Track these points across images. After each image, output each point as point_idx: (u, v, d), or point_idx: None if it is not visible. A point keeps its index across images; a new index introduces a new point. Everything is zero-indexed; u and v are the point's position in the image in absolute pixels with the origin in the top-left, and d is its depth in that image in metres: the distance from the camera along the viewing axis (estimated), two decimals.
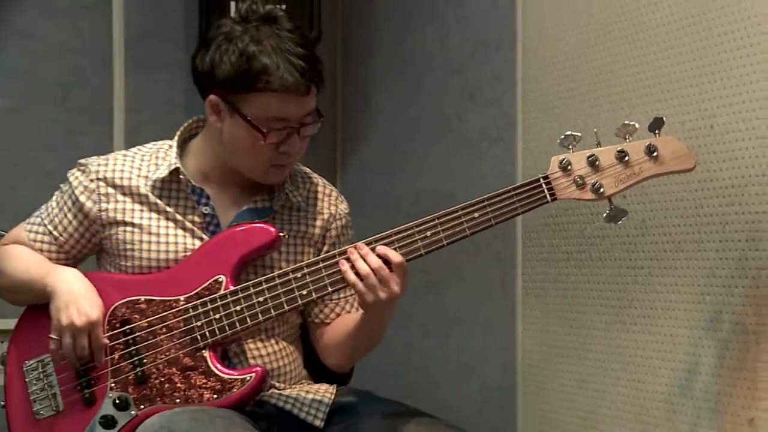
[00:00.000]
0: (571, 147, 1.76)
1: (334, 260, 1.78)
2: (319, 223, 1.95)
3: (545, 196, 1.76)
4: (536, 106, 2.51)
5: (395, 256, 1.74)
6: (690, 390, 2.02)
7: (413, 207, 3.04)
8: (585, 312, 2.36)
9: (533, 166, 2.49)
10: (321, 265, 1.79)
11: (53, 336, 1.80)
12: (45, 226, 1.93)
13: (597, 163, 1.75)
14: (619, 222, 1.77)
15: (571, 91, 2.37)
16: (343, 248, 1.79)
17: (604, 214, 1.77)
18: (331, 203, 1.98)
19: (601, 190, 1.75)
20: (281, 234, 1.85)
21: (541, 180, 1.76)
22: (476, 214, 1.76)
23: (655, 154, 1.73)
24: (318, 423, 1.86)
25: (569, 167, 1.76)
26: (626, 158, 1.74)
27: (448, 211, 1.77)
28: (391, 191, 3.16)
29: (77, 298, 1.80)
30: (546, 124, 2.46)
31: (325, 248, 1.95)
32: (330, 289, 1.79)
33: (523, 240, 2.56)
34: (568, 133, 1.76)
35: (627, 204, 1.96)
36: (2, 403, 1.88)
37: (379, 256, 1.74)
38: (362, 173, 3.34)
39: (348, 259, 1.76)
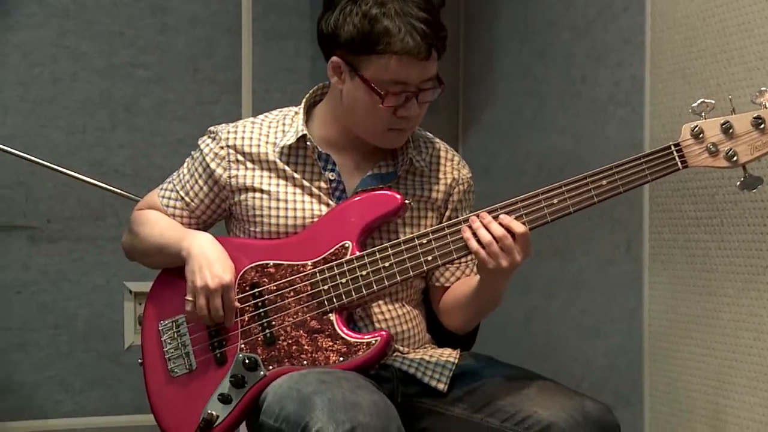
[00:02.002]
0: (703, 114, 1.70)
1: (459, 227, 1.76)
2: (441, 187, 1.93)
3: (676, 164, 1.70)
4: (665, 68, 2.42)
5: (518, 226, 1.71)
6: None
7: (538, 171, 3.00)
8: (714, 279, 2.28)
9: (662, 129, 2.41)
10: (446, 231, 1.77)
11: (188, 298, 1.84)
12: (177, 192, 1.97)
13: (731, 130, 1.68)
14: (754, 190, 1.70)
15: (702, 52, 2.27)
16: (468, 215, 1.77)
17: (738, 182, 1.70)
18: (453, 168, 1.96)
19: (735, 158, 1.68)
20: (407, 201, 1.84)
21: (672, 147, 1.71)
22: (604, 182, 1.72)
23: None
24: (441, 387, 1.85)
25: (701, 135, 1.69)
26: (762, 125, 1.66)
27: (575, 179, 1.73)
28: (515, 156, 3.12)
29: (210, 261, 1.83)
30: (676, 87, 2.37)
31: (447, 213, 1.94)
32: (455, 255, 1.77)
33: (651, 205, 2.49)
34: (701, 100, 1.70)
35: (762, 170, 1.87)
36: (140, 360, 1.94)
37: (502, 224, 1.71)
38: (485, 138, 3.31)
39: (471, 227, 1.74)
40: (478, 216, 1.73)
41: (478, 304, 1.87)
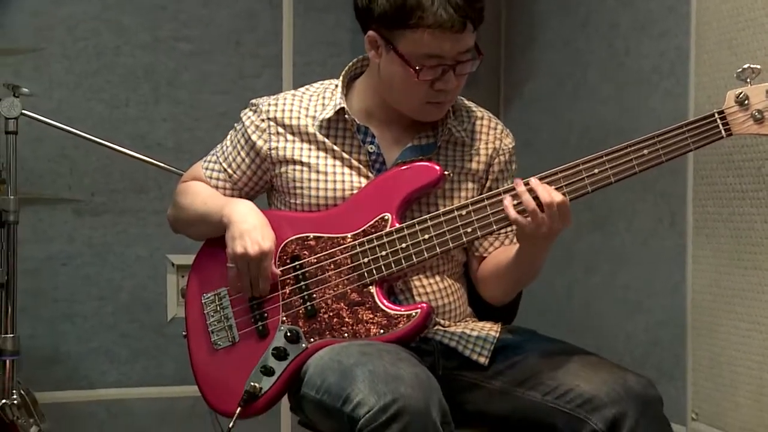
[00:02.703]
0: (749, 80, 1.65)
1: (498, 198, 1.75)
2: (482, 158, 1.92)
3: (720, 132, 1.67)
4: (711, 38, 2.37)
5: (557, 195, 1.69)
6: None
7: (581, 145, 2.96)
8: (760, 252, 2.24)
9: (707, 101, 2.37)
10: (486, 203, 1.76)
11: (229, 265, 1.85)
12: (220, 164, 1.97)
13: None
14: None
15: (749, 22, 2.22)
16: (508, 186, 1.75)
17: None
18: (495, 137, 1.94)
19: None
20: (446, 172, 1.83)
21: (716, 115, 1.67)
22: (645, 151, 1.69)
23: None
24: (483, 360, 1.85)
25: (746, 101, 1.65)
26: None
27: (616, 148, 1.70)
28: (558, 129, 3.08)
29: (250, 228, 1.84)
30: (722, 58, 2.32)
31: (488, 184, 1.92)
32: (495, 227, 1.76)
33: (695, 178, 2.45)
34: (746, 65, 1.65)
35: None
36: (184, 333, 1.95)
37: (541, 196, 1.69)
38: (527, 111, 3.27)
39: (512, 196, 1.72)
40: (518, 184, 1.72)
41: (517, 274, 1.86)
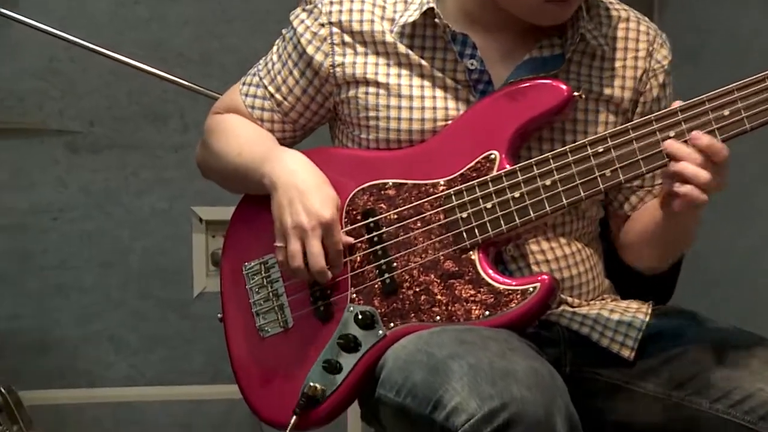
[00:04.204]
0: None
1: (650, 128, 1.75)
2: (628, 81, 1.92)
3: None
4: None
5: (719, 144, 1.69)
6: None
7: (766, 53, 2.93)
8: None
9: None
10: (632, 135, 1.76)
11: (278, 243, 1.88)
12: (265, 87, 2.01)
13: None
14: None
15: None
16: (663, 111, 1.75)
17: None
18: (647, 49, 1.93)
19: None
20: (576, 93, 1.83)
21: None
22: None
23: None
24: (627, 353, 1.86)
25: None
26: None
27: None
28: (734, 36, 3.05)
29: (303, 191, 1.86)
30: None
31: (635, 118, 1.91)
32: (644, 168, 1.76)
33: None
34: None
35: None
36: (219, 315, 2.00)
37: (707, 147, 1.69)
38: (691, 11, 3.24)
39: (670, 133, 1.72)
40: (678, 113, 1.72)
41: (669, 238, 1.87)
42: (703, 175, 1.68)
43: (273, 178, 1.89)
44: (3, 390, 2.58)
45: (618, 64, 1.92)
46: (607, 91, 1.91)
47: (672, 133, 1.73)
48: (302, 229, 1.85)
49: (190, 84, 2.80)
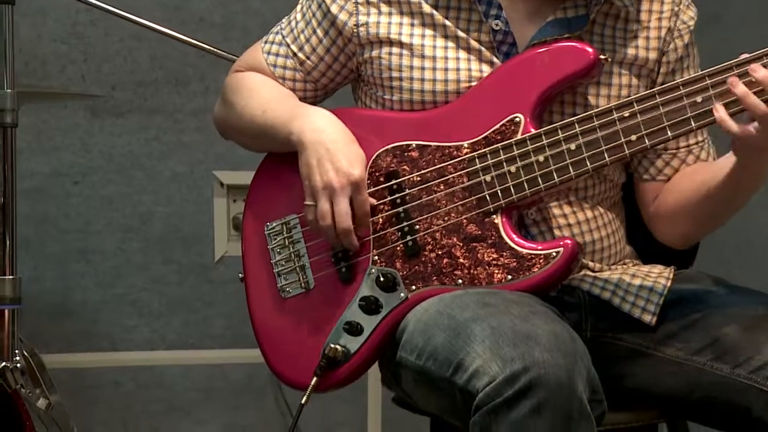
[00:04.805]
0: None
1: (677, 93, 1.74)
2: (652, 41, 1.91)
3: None
4: None
5: None
6: None
7: None
8: None
9: None
10: (658, 100, 1.76)
11: (308, 202, 1.88)
12: (287, 46, 2.00)
13: None
14: None
15: None
16: (691, 77, 1.74)
17: None
18: (672, 9, 1.92)
19: None
20: (602, 56, 1.83)
21: None
22: None
23: None
24: (648, 318, 1.86)
25: None
26: None
27: None
28: None
29: (332, 150, 1.87)
30: None
31: (660, 80, 1.91)
32: (670, 134, 1.76)
33: None
34: None
35: None
36: (241, 275, 2.01)
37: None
38: None
39: (720, 94, 1.70)
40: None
41: (712, 205, 1.86)
42: None
43: (301, 136, 1.89)
44: (26, 353, 2.58)
45: (643, 24, 1.91)
46: (631, 52, 1.90)
47: (699, 99, 1.72)
48: (332, 188, 1.85)
49: (211, 48, 2.80)
